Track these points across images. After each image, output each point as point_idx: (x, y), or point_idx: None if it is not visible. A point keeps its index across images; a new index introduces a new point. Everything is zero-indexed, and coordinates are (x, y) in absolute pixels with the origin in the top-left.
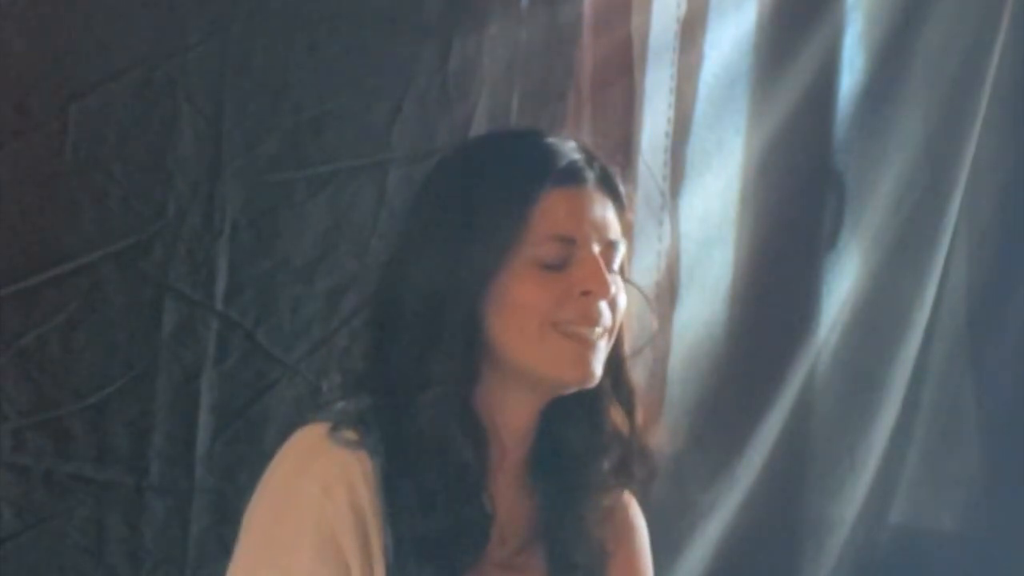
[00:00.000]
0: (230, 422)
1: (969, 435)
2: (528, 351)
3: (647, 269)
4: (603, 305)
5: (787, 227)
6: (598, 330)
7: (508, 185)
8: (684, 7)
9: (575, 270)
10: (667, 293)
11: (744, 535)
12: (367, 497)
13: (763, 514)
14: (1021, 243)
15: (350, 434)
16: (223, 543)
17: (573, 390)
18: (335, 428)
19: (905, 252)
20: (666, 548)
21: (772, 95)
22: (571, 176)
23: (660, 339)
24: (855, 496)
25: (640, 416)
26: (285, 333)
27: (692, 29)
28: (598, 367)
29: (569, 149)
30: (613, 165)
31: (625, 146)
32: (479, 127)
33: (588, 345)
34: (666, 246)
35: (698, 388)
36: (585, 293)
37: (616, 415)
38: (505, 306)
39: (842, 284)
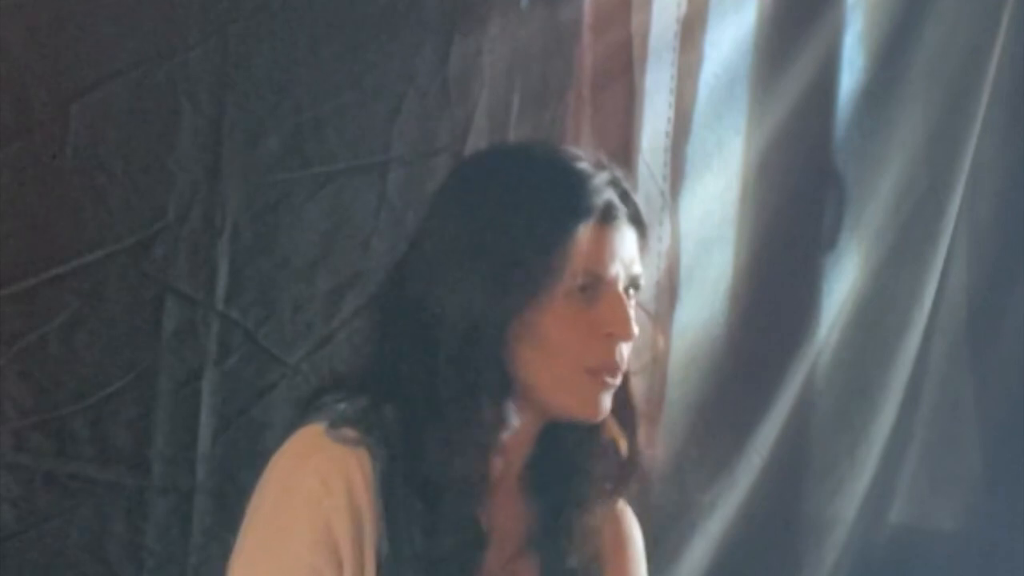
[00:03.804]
0: (231, 422)
1: (969, 435)
2: (553, 389)
3: (647, 269)
4: (624, 347)
5: (787, 227)
6: (619, 375)
7: (547, 220)
8: (684, 7)
9: (602, 308)
10: (667, 293)
11: (744, 535)
12: (364, 495)
13: (763, 514)
14: (1021, 243)
15: (349, 432)
16: (224, 543)
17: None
18: (333, 425)
19: (905, 252)
20: (666, 548)
21: (772, 95)
22: (607, 214)
23: (660, 339)
24: (855, 496)
25: (640, 432)
26: (285, 333)
27: (692, 29)
28: (608, 404)
29: (603, 182)
30: (635, 191)
31: (625, 146)
32: (479, 127)
33: (608, 388)
34: (666, 246)
35: (698, 388)
36: (609, 335)
37: (612, 425)
38: (535, 340)
39: (842, 284)
